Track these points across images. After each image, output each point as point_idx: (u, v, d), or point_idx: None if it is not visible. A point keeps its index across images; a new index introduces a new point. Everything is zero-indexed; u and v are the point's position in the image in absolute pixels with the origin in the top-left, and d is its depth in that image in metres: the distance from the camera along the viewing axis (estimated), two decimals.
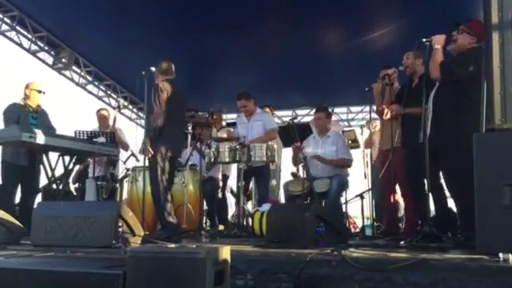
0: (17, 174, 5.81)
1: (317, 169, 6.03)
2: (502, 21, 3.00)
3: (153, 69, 5.00)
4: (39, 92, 6.02)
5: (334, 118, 8.54)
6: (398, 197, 5.76)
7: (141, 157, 5.46)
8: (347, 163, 6.24)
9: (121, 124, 7.36)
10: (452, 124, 4.00)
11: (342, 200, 6.23)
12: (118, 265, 2.36)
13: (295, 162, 6.84)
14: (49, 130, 5.69)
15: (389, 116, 5.02)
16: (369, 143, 6.91)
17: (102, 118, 7.21)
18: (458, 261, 2.80)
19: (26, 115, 5.86)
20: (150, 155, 4.84)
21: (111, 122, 6.99)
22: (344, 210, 6.34)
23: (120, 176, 6.88)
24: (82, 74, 9.36)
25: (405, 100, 4.77)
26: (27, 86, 5.99)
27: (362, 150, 7.02)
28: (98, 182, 6.45)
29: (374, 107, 5.52)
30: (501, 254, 2.66)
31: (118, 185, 6.76)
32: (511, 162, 2.80)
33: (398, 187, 5.39)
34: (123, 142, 6.89)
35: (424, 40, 4.14)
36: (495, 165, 2.85)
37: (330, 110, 7.33)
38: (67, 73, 9.08)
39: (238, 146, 5.57)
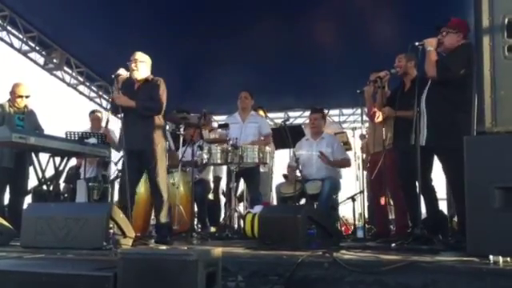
0: (3, 176, 5.76)
1: (309, 171, 6.03)
2: (493, 25, 3.04)
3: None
4: (21, 97, 5.90)
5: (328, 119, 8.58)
6: (389, 199, 5.78)
7: None
8: (347, 163, 6.28)
9: (113, 125, 7.32)
10: (448, 121, 4.00)
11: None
12: (108, 267, 2.35)
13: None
14: (36, 131, 5.65)
15: (380, 119, 5.04)
16: (364, 148, 6.92)
17: (96, 120, 7.20)
18: (448, 263, 2.81)
19: (11, 116, 5.81)
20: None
21: (104, 124, 6.97)
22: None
23: (112, 177, 6.86)
24: (74, 74, 9.32)
25: (397, 103, 4.79)
26: (11, 89, 5.91)
27: (354, 152, 7.05)
28: (90, 184, 6.42)
29: (366, 109, 5.54)
30: (491, 257, 2.68)
31: (109, 186, 6.73)
32: (501, 165, 2.83)
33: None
34: (115, 142, 6.85)
35: (417, 43, 4.16)
36: (486, 168, 2.87)
37: (325, 111, 7.37)
38: (58, 73, 9.04)
39: (230, 148, 5.56)
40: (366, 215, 6.23)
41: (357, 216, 6.80)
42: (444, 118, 4.05)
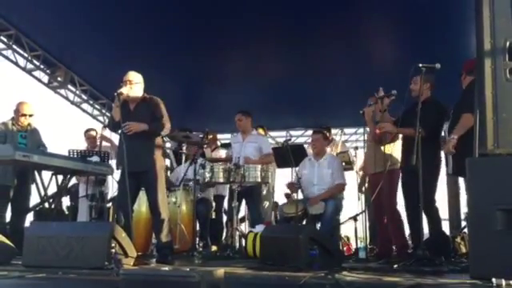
0: (5, 194, 5.76)
1: (311, 190, 6.01)
2: (495, 48, 3.06)
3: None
4: (24, 116, 5.90)
5: (342, 138, 8.63)
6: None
7: None
8: (341, 188, 6.23)
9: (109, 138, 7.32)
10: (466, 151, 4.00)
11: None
12: (110, 287, 2.35)
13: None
14: (39, 149, 5.66)
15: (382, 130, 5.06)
16: (362, 167, 6.92)
17: (91, 138, 7.25)
18: (451, 286, 2.80)
19: (14, 134, 5.82)
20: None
21: (98, 137, 7.03)
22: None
23: (113, 195, 6.85)
24: (77, 92, 9.38)
25: (405, 121, 4.76)
26: (16, 108, 5.94)
27: (356, 171, 7.04)
28: (88, 202, 6.41)
29: (368, 129, 5.56)
30: (494, 280, 2.67)
31: (108, 204, 6.71)
32: (504, 186, 2.83)
33: None
34: (113, 143, 6.79)
35: (420, 65, 4.20)
36: (488, 190, 2.87)
37: (329, 131, 7.39)
38: (62, 91, 9.09)
39: (232, 167, 5.57)
40: (368, 235, 6.20)
41: (358, 236, 6.76)
42: (463, 148, 4.03)
